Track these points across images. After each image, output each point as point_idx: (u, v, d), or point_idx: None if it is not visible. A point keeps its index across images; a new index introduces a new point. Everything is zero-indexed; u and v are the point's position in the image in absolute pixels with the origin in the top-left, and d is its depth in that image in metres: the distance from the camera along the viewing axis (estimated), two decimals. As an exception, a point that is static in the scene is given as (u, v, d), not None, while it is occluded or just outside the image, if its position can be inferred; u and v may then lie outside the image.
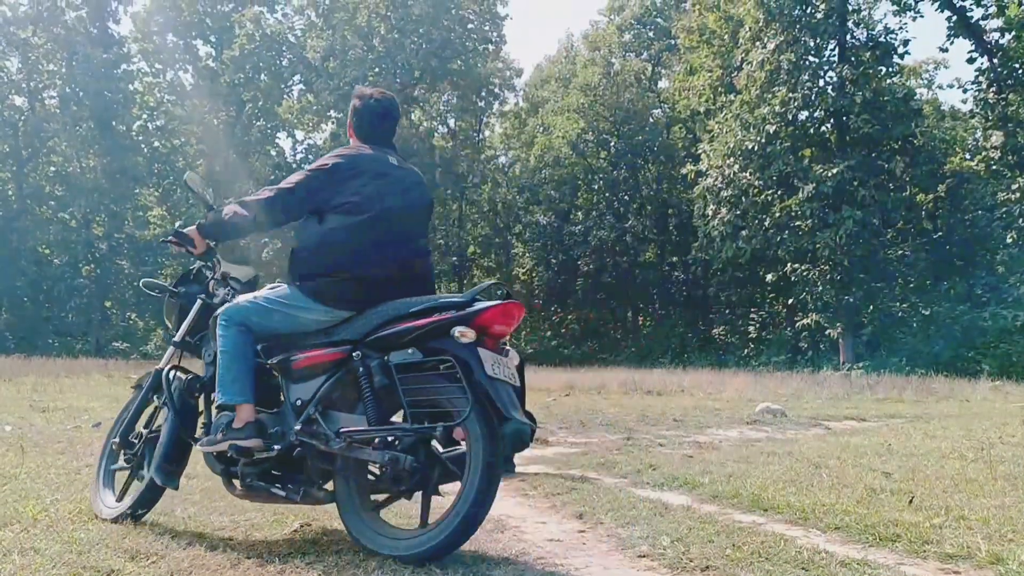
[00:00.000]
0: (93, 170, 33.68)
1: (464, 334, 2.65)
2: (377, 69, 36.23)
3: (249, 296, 3.04)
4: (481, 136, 42.98)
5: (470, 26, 37.80)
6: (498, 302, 2.75)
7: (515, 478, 4.78)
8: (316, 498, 2.89)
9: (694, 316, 34.28)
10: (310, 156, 39.75)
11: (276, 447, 2.86)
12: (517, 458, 5.23)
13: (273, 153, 40.47)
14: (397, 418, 2.85)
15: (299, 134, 41.23)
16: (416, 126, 39.21)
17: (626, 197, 36.87)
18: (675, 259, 35.58)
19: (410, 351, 2.71)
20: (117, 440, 3.47)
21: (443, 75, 37.17)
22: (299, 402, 2.89)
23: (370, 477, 2.92)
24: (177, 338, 3.42)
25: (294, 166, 39.82)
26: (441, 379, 2.65)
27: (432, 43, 35.85)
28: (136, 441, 3.39)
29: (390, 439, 2.72)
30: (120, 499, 3.34)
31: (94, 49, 33.16)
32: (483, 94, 39.78)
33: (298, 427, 2.84)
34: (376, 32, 36.11)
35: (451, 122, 42.33)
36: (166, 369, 3.28)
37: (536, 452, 6.00)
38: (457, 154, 38.49)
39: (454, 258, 40.41)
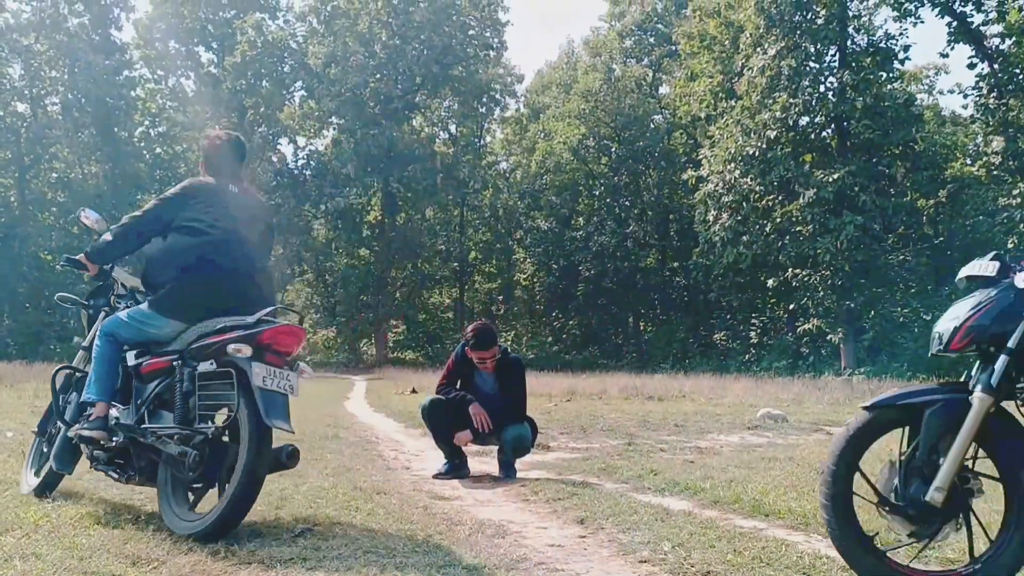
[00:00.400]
0: (95, 176, 33.76)
1: (239, 350, 3.09)
2: (378, 75, 36.31)
3: (126, 312, 3.57)
4: (482, 142, 43.05)
5: (471, 32, 37.89)
6: (276, 323, 3.22)
7: (516, 483, 4.78)
8: (137, 482, 3.42)
9: (695, 321, 34.27)
10: (312, 162, 39.85)
11: (115, 438, 3.35)
12: (518, 463, 5.25)
13: (275, 159, 40.52)
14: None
15: (301, 140, 41.32)
16: (417, 132, 39.28)
17: (627, 202, 36.90)
18: (676, 264, 35.58)
19: (210, 363, 3.17)
20: (35, 430, 4.09)
21: (444, 81, 37.24)
22: (139, 401, 3.42)
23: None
24: (85, 343, 3.93)
25: (296, 172, 39.92)
26: (226, 387, 3.11)
27: (433, 49, 35.93)
28: (53, 431, 3.94)
29: (187, 437, 3.15)
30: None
31: (96, 56, 33.24)
32: (484, 100, 39.86)
33: (113, 422, 3.38)
34: (377, 38, 36.20)
35: (452, 128, 42.41)
36: (55, 370, 3.84)
37: (537, 458, 6.00)
38: (458, 160, 38.53)
39: (455, 264, 40.42)
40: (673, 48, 35.69)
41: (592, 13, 76.33)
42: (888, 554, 2.54)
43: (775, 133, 24.05)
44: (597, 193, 37.67)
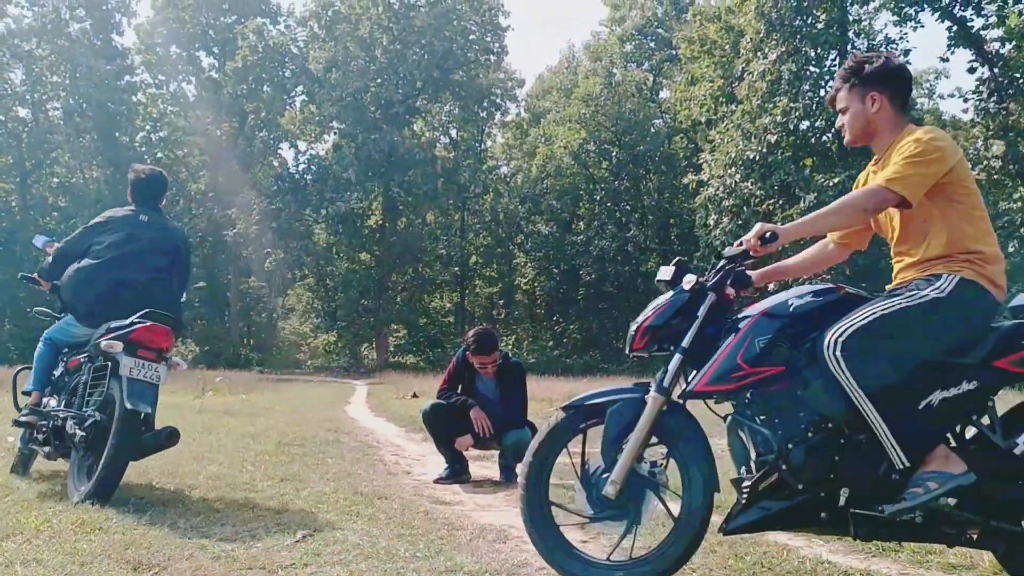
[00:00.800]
0: (96, 181, 33.81)
1: (111, 346, 3.64)
2: (379, 80, 36.36)
3: (62, 320, 4.27)
4: (483, 146, 43.09)
5: (472, 37, 37.96)
6: (146, 323, 3.74)
7: (517, 488, 4.77)
8: (55, 458, 4.08)
9: (696, 325, 34.23)
10: (312, 166, 39.89)
11: (44, 423, 3.98)
12: (519, 468, 5.24)
13: (276, 164, 40.60)
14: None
15: (302, 144, 41.36)
16: (418, 137, 39.32)
17: (628, 207, 36.91)
18: (677, 268, 35.53)
19: (101, 358, 3.76)
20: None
21: (445, 86, 37.30)
22: (65, 392, 4.08)
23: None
24: None
25: (297, 176, 39.98)
26: (106, 377, 3.73)
27: (434, 54, 35.99)
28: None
29: (83, 419, 3.71)
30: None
31: (97, 61, 33.33)
32: (485, 104, 39.91)
33: (30, 407, 4.10)
34: (378, 43, 36.26)
35: (453, 132, 42.45)
36: (16, 370, 4.81)
37: (538, 462, 5.97)
38: (459, 164, 38.57)
39: (456, 268, 40.42)
40: (673, 52, 35.75)
41: (592, 18, 76.71)
42: (564, 533, 2.72)
43: (776, 137, 24.06)
44: (598, 197, 37.69)
